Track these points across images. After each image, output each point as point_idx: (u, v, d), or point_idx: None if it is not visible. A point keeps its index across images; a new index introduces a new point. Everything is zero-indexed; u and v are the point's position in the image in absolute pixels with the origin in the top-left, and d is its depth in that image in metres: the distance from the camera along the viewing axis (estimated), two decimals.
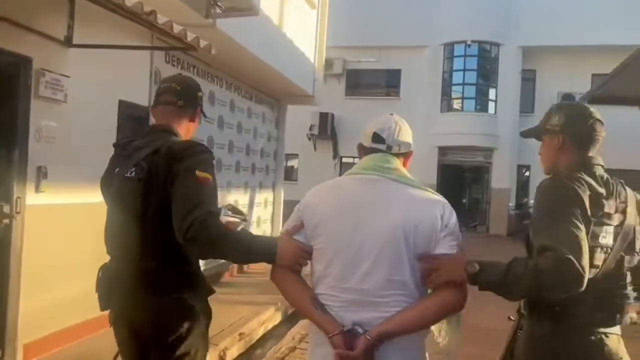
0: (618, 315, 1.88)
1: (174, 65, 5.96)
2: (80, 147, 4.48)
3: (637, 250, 1.93)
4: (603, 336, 1.86)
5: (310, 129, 19.27)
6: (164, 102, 2.27)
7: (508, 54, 18.59)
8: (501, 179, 18.88)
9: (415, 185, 1.85)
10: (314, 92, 9.42)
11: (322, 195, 1.91)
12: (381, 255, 1.74)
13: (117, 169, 2.20)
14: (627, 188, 1.98)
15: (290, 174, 20.62)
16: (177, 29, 4.07)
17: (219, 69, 7.07)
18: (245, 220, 1.98)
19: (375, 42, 18.99)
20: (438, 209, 1.79)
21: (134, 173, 2.09)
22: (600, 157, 2.00)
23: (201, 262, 2.25)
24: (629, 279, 1.91)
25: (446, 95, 19.25)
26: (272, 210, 9.56)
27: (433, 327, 1.89)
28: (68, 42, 4.29)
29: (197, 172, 1.98)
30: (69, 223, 4.35)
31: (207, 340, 2.28)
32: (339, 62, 19.36)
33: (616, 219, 1.88)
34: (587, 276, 1.66)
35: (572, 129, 2.00)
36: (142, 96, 5.43)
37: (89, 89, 4.59)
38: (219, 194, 2.09)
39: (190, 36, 4.22)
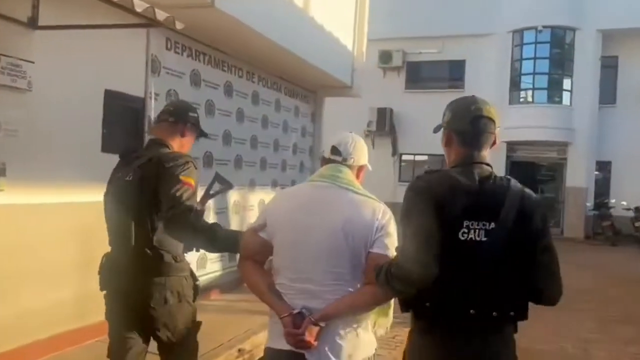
0: (494, 313, 1.92)
1: (177, 53, 5.46)
2: (50, 141, 4.04)
3: (514, 247, 1.91)
4: (481, 333, 1.93)
5: (368, 125, 18.47)
6: (160, 120, 2.79)
7: (585, 39, 16.96)
8: (577, 176, 17.28)
9: (359, 192, 2.14)
10: (353, 83, 8.68)
11: (282, 199, 2.30)
12: (326, 252, 2.05)
13: (118, 174, 2.69)
14: (512, 185, 1.96)
15: None
16: (143, 6, 3.52)
17: (238, 58, 6.53)
18: (230, 187, 2.92)
19: (437, 31, 17.95)
20: (375, 213, 2.08)
21: (131, 177, 2.58)
22: (486, 153, 2.01)
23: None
24: (504, 275, 1.92)
25: (515, 86, 17.86)
26: None
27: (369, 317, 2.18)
28: (32, 23, 3.85)
29: (181, 177, 2.44)
30: (32, 225, 3.92)
31: (194, 316, 2.75)
32: (398, 54, 18.47)
33: (486, 215, 1.89)
34: (429, 270, 1.82)
35: (455, 125, 2.04)
36: (136, 86, 4.94)
37: (63, 76, 4.13)
38: (241, 191, 3.13)
39: (160, 14, 3.64)
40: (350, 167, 2.23)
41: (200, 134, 2.89)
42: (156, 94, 5.16)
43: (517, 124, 16.49)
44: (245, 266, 2.21)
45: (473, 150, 2.00)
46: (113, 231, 2.69)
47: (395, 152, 18.92)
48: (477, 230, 1.88)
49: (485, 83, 17.48)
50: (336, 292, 2.05)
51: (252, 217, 7.10)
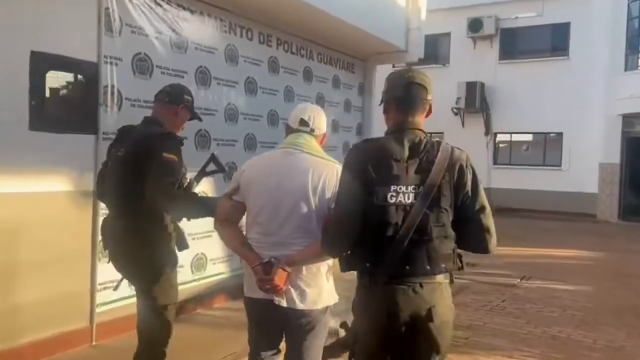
0: (428, 267, 2.05)
1: (148, 6, 4.41)
2: None
3: (444, 207, 2.05)
4: (416, 285, 2.05)
5: (456, 101, 16.61)
6: (157, 99, 3.07)
7: None
8: None
9: (322, 156, 2.47)
10: (409, 46, 7.24)
11: (254, 164, 2.56)
12: (294, 209, 2.38)
13: (113, 149, 3.00)
14: (442, 149, 2.07)
15: None
16: None
17: (249, 18, 5.40)
18: (223, 171, 3.24)
19: None
20: (334, 172, 2.38)
21: (122, 152, 2.88)
22: (419, 119, 2.15)
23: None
24: (436, 233, 2.04)
25: (633, 49, 15.10)
26: None
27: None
28: None
29: (164, 154, 2.70)
30: None
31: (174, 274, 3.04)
32: (490, 21, 16.38)
33: (414, 179, 2.04)
34: (341, 251, 2.15)
35: (390, 92, 2.19)
36: (85, 48, 3.96)
37: None
38: None
39: None
40: (315, 136, 2.54)
41: (194, 116, 3.19)
42: (117, 59, 4.15)
43: (635, 93, 13.89)
44: (222, 226, 2.56)
45: (406, 116, 2.15)
46: (108, 200, 3.04)
47: (488, 131, 16.87)
48: (405, 194, 2.04)
49: (595, 48, 14.97)
50: (302, 244, 2.36)
51: None
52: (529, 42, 16.54)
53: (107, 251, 3.04)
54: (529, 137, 17.27)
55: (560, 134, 16.12)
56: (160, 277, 2.89)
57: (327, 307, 2.49)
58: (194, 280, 4.98)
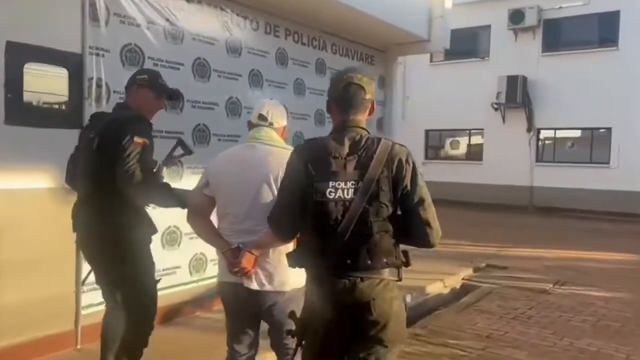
0: (369, 261, 2.08)
1: None
2: None
3: (383, 202, 2.07)
4: (357, 280, 2.08)
5: (497, 96, 15.92)
6: (128, 85, 3.13)
7: None
8: None
9: (280, 146, 2.68)
10: (432, 35, 6.82)
11: (220, 160, 2.74)
12: (258, 198, 2.58)
13: (84, 134, 3.06)
14: (382, 145, 2.11)
15: (474, 153, 17.58)
16: None
17: (255, 7, 5.15)
18: (190, 154, 3.18)
19: None
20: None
21: (93, 134, 2.92)
22: (361, 117, 2.23)
23: None
24: (376, 228, 2.07)
25: None
26: None
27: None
28: None
29: (135, 137, 2.75)
30: None
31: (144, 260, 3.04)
32: (532, 12, 15.61)
33: (353, 174, 2.08)
34: (288, 236, 2.33)
35: (331, 93, 2.28)
36: (67, 39, 3.79)
37: None
38: None
39: None
40: (275, 129, 2.76)
41: (169, 97, 3.30)
42: (103, 50, 3.98)
43: None
44: (194, 219, 2.77)
45: (347, 115, 2.22)
46: (78, 184, 3.04)
47: (530, 127, 16.06)
48: (344, 190, 2.09)
49: None
50: (266, 231, 2.47)
51: None
52: (574, 33, 15.65)
53: (75, 236, 3.07)
54: (575, 133, 16.38)
55: (609, 130, 15.18)
56: (135, 257, 2.95)
57: (298, 289, 2.58)
58: (193, 282, 4.77)
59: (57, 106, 3.80)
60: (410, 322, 5.49)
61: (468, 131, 17.75)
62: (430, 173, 17.77)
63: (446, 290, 6.50)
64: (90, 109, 3.89)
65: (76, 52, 3.83)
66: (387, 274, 2.13)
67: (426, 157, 18.31)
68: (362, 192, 2.06)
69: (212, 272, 4.88)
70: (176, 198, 2.85)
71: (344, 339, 2.16)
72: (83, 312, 3.93)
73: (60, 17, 3.75)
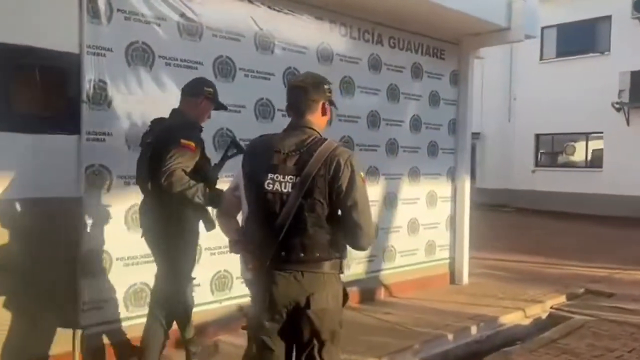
0: (302, 254, 2.17)
1: None
2: None
3: (317, 198, 2.16)
4: (298, 274, 2.19)
5: (619, 95, 14.05)
6: (182, 93, 3.45)
7: None
8: None
9: None
10: (512, 22, 5.88)
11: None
12: None
13: (144, 138, 3.39)
14: (325, 145, 2.20)
15: (593, 160, 15.68)
16: None
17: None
18: (243, 151, 2.68)
19: None
20: None
21: (150, 139, 3.28)
22: (310, 118, 2.30)
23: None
24: (310, 223, 2.16)
25: None
26: (451, 211, 6.41)
27: None
28: None
29: (181, 140, 3.04)
30: None
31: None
32: None
33: (292, 169, 2.17)
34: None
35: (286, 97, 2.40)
36: (62, 38, 3.51)
37: None
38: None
39: None
40: None
41: (218, 106, 3.49)
42: (105, 49, 3.67)
43: None
44: (221, 218, 3.10)
45: (296, 116, 2.33)
46: (140, 184, 3.38)
47: None
48: (282, 183, 2.18)
49: None
50: None
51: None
52: None
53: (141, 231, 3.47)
54: None
55: None
56: (184, 246, 3.37)
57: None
58: (215, 302, 4.33)
59: (51, 111, 3.53)
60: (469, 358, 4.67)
61: (585, 135, 15.89)
62: (542, 181, 16.29)
63: (527, 321, 5.49)
64: (89, 113, 3.60)
65: (73, 52, 3.55)
66: (327, 267, 2.23)
67: (537, 164, 16.68)
68: (299, 187, 2.15)
69: (239, 291, 4.42)
70: (210, 198, 3.12)
71: (289, 333, 2.25)
72: (82, 332, 3.62)
73: (54, 16, 3.48)
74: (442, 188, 6.27)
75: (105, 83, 3.69)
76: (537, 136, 16.74)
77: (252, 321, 2.39)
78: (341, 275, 2.31)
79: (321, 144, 2.20)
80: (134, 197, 3.83)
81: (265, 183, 2.17)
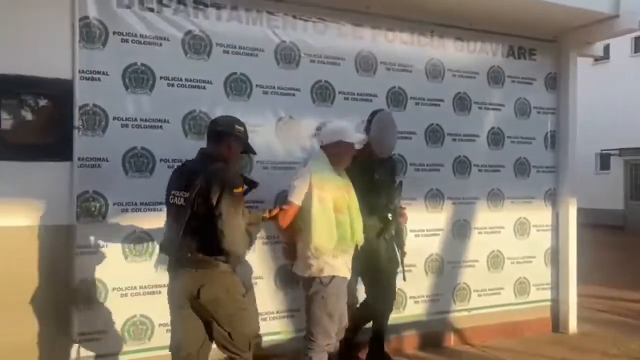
0: (189, 255, 2.82)
1: (148, 9, 3.74)
2: None
3: (200, 210, 2.79)
4: (193, 270, 2.82)
5: None
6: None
7: None
8: None
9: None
10: (620, 9, 4.70)
11: None
12: None
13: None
14: (211, 167, 2.85)
15: None
16: None
17: (320, 5, 4.23)
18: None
19: None
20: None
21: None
22: (212, 147, 3.00)
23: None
24: (199, 229, 2.80)
25: None
26: (552, 243, 5.26)
27: None
28: None
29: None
30: None
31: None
32: None
33: (185, 187, 2.85)
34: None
35: None
36: (54, 65, 3.49)
37: None
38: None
39: None
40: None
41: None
42: (100, 73, 3.61)
43: None
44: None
45: (207, 145, 3.06)
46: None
47: None
48: (179, 197, 2.88)
49: None
50: None
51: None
52: None
53: None
54: None
55: None
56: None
57: (328, 277, 3.27)
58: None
59: (42, 138, 3.52)
60: None
61: None
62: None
63: None
64: (81, 139, 3.54)
65: (65, 78, 3.52)
66: (222, 266, 2.83)
67: (632, 196, 14.23)
68: (188, 200, 2.82)
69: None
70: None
71: (200, 318, 2.93)
72: None
73: (45, 42, 3.48)
74: (538, 214, 5.17)
75: (100, 108, 3.60)
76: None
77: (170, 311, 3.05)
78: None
79: (208, 166, 2.89)
80: (131, 225, 3.70)
81: (170, 197, 3.01)
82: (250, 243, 3.08)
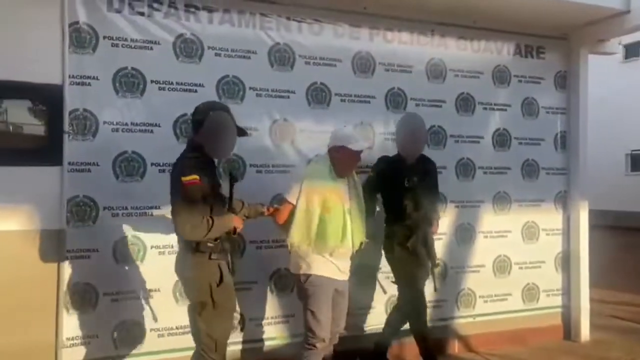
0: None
1: (138, 13, 3.74)
2: None
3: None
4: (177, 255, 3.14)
5: None
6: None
7: None
8: None
9: None
10: (631, 3, 4.51)
11: None
12: None
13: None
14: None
15: None
16: None
17: (315, 7, 4.17)
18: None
19: None
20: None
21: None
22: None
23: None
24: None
25: None
26: (563, 248, 5.07)
27: None
28: None
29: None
30: None
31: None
32: None
33: None
34: None
35: None
36: (44, 70, 3.50)
37: None
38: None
39: None
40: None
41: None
42: (90, 78, 3.61)
43: None
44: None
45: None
46: None
47: None
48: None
49: None
50: None
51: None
52: None
53: None
54: None
55: None
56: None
57: (305, 275, 3.31)
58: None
59: (32, 143, 3.55)
60: None
61: None
62: None
63: None
64: (71, 144, 3.55)
65: (55, 83, 3.54)
66: (189, 250, 2.96)
67: None
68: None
69: (254, 335, 3.98)
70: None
71: None
72: None
73: (34, 47, 3.51)
74: (548, 218, 4.99)
75: (90, 113, 3.61)
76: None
77: None
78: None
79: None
80: (122, 230, 3.69)
81: None
82: (214, 230, 2.88)
